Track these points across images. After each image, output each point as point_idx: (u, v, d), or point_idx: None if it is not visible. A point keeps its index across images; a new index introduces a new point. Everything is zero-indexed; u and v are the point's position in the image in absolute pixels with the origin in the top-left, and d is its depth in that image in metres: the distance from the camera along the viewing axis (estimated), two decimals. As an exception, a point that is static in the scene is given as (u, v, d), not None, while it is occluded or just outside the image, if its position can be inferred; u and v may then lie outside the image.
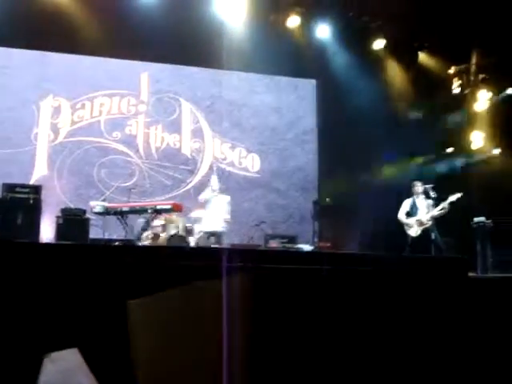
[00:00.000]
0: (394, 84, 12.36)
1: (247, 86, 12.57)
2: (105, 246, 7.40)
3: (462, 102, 11.70)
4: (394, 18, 11.31)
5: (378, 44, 11.97)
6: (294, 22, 11.48)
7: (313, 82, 12.97)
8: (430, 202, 8.92)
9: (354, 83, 11.76)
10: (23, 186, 8.70)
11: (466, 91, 11.59)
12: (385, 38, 11.87)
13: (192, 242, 9.26)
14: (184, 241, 9.04)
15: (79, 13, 10.69)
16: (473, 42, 11.35)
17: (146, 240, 8.98)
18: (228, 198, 9.53)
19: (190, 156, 12.08)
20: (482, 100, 11.48)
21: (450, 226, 9.07)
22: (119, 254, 4.03)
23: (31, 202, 8.33)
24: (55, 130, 11.35)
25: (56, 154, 11.23)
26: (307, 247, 9.97)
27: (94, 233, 9.48)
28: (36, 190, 8.60)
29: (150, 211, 8.75)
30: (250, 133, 12.46)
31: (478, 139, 11.57)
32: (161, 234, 9.25)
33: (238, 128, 12.41)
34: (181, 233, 9.28)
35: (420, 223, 8.86)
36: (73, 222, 8.82)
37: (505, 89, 11.24)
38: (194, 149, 12.13)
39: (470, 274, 5.36)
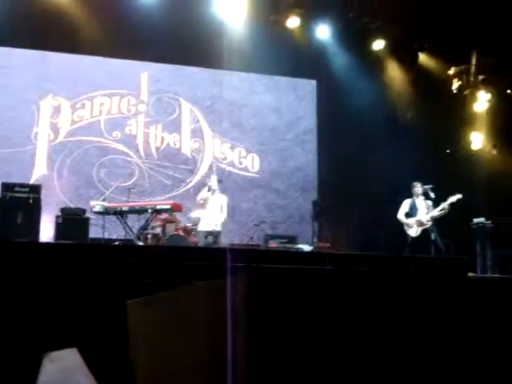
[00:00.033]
0: (394, 85, 12.36)
1: (247, 86, 12.57)
2: (104, 245, 7.41)
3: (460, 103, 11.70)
4: (393, 19, 11.32)
5: (378, 45, 11.95)
6: (293, 22, 11.46)
7: (313, 82, 12.96)
8: (430, 202, 8.91)
9: (354, 84, 11.77)
10: (23, 185, 8.70)
11: (466, 92, 11.59)
12: (384, 38, 11.86)
13: (192, 241, 9.26)
14: (183, 240, 9.05)
15: (79, 12, 10.69)
16: (473, 43, 11.34)
17: (145, 240, 8.99)
18: (225, 198, 9.35)
19: (189, 156, 12.08)
20: (482, 101, 11.47)
21: (450, 226, 9.07)
22: (119, 254, 4.03)
23: (31, 201, 8.33)
24: (55, 129, 11.35)
25: (56, 153, 11.23)
26: (307, 247, 9.97)
27: (94, 232, 9.50)
28: (36, 189, 8.60)
29: (149, 211, 8.75)
30: (249, 133, 12.45)
31: (477, 139, 11.57)
32: (160, 234, 9.26)
33: (238, 128, 12.41)
34: (180, 233, 9.29)
35: (420, 224, 8.85)
36: (72, 221, 8.83)
37: (504, 89, 11.24)
38: (193, 149, 12.13)
39: (470, 275, 5.36)
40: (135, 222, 9.59)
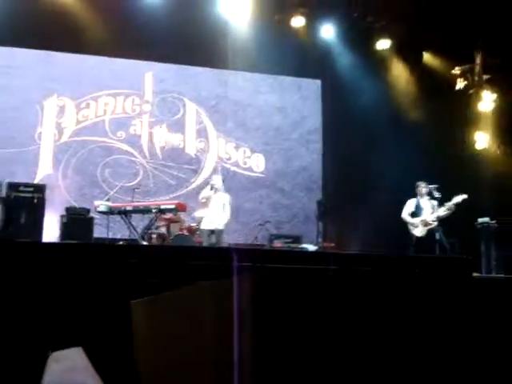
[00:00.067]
0: (399, 84, 12.34)
1: (252, 86, 12.56)
2: (109, 245, 7.43)
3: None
4: (398, 19, 11.30)
5: (383, 44, 11.93)
6: (298, 22, 11.45)
7: (317, 82, 12.94)
8: (435, 202, 8.88)
9: (359, 83, 11.75)
10: (27, 185, 8.72)
11: (471, 91, 11.57)
12: (389, 38, 11.84)
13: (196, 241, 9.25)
14: (188, 240, 9.04)
15: (84, 13, 10.71)
16: (477, 43, 11.32)
17: (149, 239, 8.99)
18: (228, 196, 9.12)
19: (194, 156, 12.08)
20: (487, 100, 11.45)
21: (455, 226, 9.04)
22: (123, 254, 4.04)
23: (35, 201, 8.35)
24: (60, 129, 11.36)
25: (61, 153, 11.24)
26: (311, 247, 9.96)
27: (98, 232, 9.51)
28: (40, 189, 8.62)
29: (154, 211, 8.74)
30: (254, 133, 12.44)
31: (482, 139, 11.54)
32: (166, 234, 9.26)
33: (243, 128, 12.40)
34: (185, 232, 9.29)
35: (425, 223, 8.82)
36: (77, 221, 8.85)
37: (510, 89, 11.21)
38: (198, 148, 12.12)
39: (475, 275, 5.35)
40: (139, 222, 9.61)
